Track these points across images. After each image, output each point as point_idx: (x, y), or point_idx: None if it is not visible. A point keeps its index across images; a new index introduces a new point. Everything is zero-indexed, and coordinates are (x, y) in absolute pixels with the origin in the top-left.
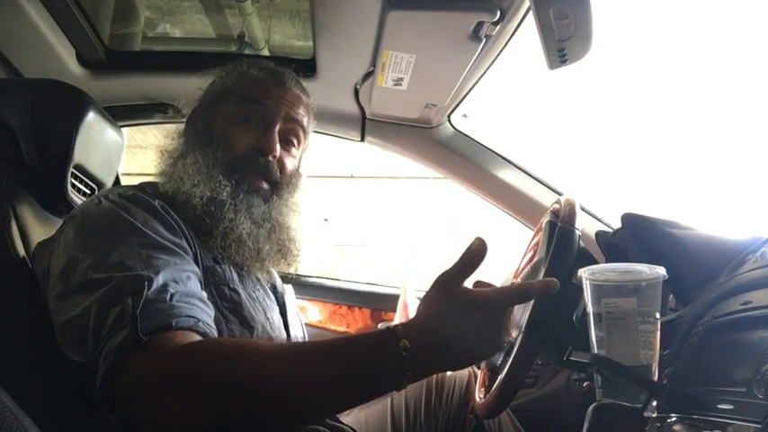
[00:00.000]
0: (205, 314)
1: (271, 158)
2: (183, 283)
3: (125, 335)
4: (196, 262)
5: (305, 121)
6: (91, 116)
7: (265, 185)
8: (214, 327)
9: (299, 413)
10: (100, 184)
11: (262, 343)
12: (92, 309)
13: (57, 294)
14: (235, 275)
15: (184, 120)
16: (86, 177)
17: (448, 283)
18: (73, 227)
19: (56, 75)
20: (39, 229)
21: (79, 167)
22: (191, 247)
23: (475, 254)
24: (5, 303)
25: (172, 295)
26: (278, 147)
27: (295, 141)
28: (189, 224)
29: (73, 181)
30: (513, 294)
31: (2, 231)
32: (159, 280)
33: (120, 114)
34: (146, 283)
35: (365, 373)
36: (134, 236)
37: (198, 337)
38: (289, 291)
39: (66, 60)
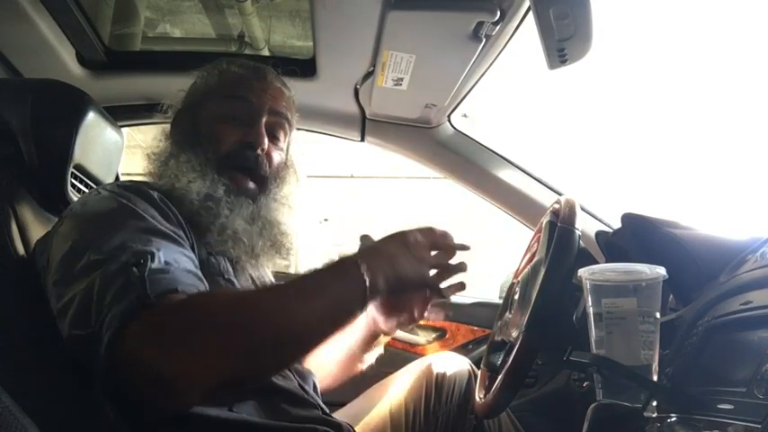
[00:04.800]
0: (204, 288)
1: (260, 152)
2: (182, 263)
3: (131, 298)
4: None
5: (289, 114)
6: (91, 116)
7: (252, 185)
8: None
9: (297, 340)
10: (100, 185)
11: (252, 290)
12: (95, 282)
13: (59, 279)
14: (230, 267)
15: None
16: (86, 177)
17: None
18: (72, 217)
19: (56, 75)
20: (39, 229)
21: (79, 167)
22: (187, 239)
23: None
24: (5, 303)
25: (174, 270)
26: (266, 140)
27: (281, 134)
28: (185, 218)
29: (73, 181)
30: (418, 228)
31: (2, 231)
32: (161, 256)
33: (120, 114)
34: (149, 256)
35: (337, 298)
36: (135, 220)
37: None
38: None
39: (66, 60)
